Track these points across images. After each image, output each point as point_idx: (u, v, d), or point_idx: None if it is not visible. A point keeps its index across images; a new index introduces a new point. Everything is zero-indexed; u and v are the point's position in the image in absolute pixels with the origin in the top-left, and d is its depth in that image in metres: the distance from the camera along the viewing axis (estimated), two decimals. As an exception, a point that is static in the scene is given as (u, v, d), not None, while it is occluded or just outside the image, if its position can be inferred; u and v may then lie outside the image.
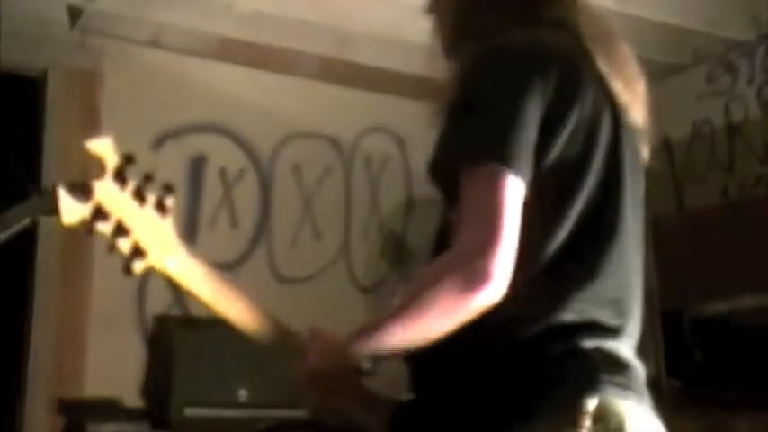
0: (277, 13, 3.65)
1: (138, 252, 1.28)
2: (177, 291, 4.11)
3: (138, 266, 1.28)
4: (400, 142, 4.30)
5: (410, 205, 4.29)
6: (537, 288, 1.26)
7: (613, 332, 1.29)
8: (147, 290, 3.68)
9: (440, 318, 1.22)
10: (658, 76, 4.00)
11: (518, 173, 1.23)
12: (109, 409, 3.29)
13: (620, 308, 1.31)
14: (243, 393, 3.23)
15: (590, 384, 1.22)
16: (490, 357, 1.26)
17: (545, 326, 1.25)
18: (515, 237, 1.21)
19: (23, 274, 3.55)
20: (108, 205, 1.26)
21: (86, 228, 1.27)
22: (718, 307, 3.57)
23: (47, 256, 3.56)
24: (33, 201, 2.63)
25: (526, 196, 1.24)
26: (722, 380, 3.42)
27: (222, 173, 3.95)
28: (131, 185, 1.27)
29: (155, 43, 3.83)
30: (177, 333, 3.47)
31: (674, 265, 3.71)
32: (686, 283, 3.74)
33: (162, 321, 3.63)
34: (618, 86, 1.38)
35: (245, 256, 3.93)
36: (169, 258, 1.30)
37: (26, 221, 2.57)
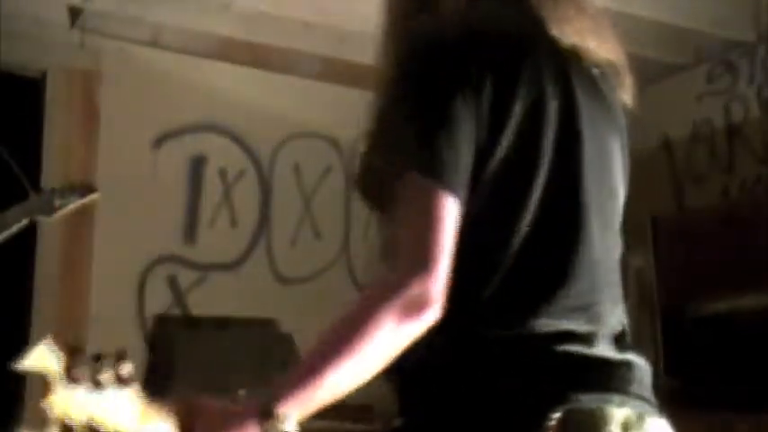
0: (277, 12, 3.65)
1: None
2: (177, 292, 4.07)
3: None
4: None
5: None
6: (502, 299, 1.19)
7: (585, 339, 1.21)
8: (146, 290, 3.68)
9: (379, 351, 1.12)
10: (658, 76, 4.00)
11: (451, 187, 1.15)
12: (109, 409, 3.29)
13: (592, 313, 1.23)
14: (242, 393, 3.23)
15: (558, 395, 1.15)
16: (458, 370, 1.20)
17: (512, 337, 1.18)
18: (449, 255, 1.13)
19: (23, 274, 3.55)
20: (70, 417, 1.16)
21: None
22: (718, 307, 3.57)
23: (47, 257, 3.56)
24: (31, 201, 2.62)
25: (474, 203, 1.18)
26: (722, 380, 3.42)
27: (222, 173, 3.95)
28: (84, 380, 1.18)
29: (154, 43, 3.83)
30: (177, 333, 3.48)
31: (674, 265, 3.71)
32: (686, 283, 3.74)
33: (162, 321, 3.63)
34: (569, 35, 1.28)
35: (244, 256, 3.93)
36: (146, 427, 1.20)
37: (24, 222, 2.57)
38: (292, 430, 1.12)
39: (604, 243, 1.28)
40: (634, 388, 1.21)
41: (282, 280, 3.98)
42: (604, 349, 1.23)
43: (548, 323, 1.19)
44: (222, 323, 3.58)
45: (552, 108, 1.23)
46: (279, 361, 3.33)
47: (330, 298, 3.92)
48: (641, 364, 1.25)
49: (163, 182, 3.74)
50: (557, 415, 1.14)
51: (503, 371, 1.18)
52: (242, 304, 3.68)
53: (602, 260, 1.27)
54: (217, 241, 3.86)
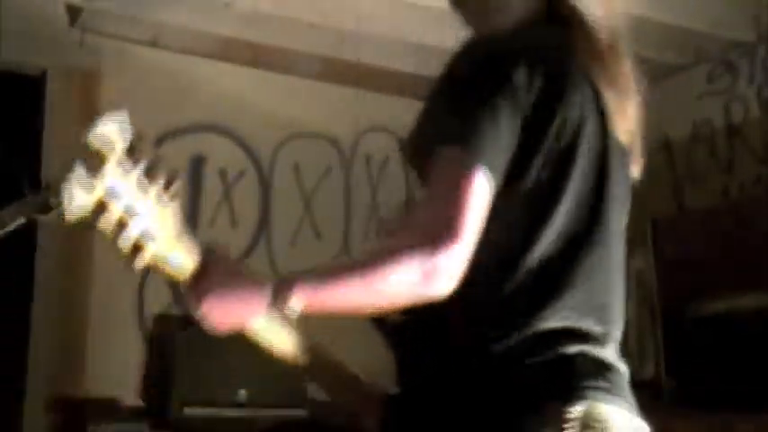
0: (277, 12, 3.65)
1: (140, 245, 1.24)
2: (176, 288, 4.08)
3: (140, 261, 1.25)
4: (400, 142, 4.29)
5: (410, 205, 4.29)
6: (520, 294, 1.24)
7: (597, 339, 1.27)
8: (146, 289, 3.68)
9: (386, 296, 1.20)
10: (658, 76, 3.99)
11: (489, 166, 1.20)
12: (108, 408, 3.29)
13: (604, 314, 1.29)
14: (242, 393, 3.22)
15: (575, 391, 1.21)
16: (474, 366, 1.24)
17: (529, 333, 1.23)
18: (476, 234, 1.18)
19: (23, 273, 3.55)
20: (112, 195, 1.21)
21: (89, 221, 1.23)
22: (718, 307, 3.57)
23: (47, 256, 3.56)
24: (27, 200, 2.62)
25: (509, 198, 1.23)
26: (722, 380, 3.42)
27: (222, 173, 3.95)
28: (136, 173, 1.23)
29: (154, 43, 3.83)
30: (177, 333, 3.47)
31: (674, 265, 3.71)
32: (686, 283, 3.74)
33: (162, 321, 3.63)
34: (609, 97, 1.36)
35: (244, 256, 3.93)
36: (171, 253, 1.26)
37: (22, 221, 2.57)
38: (295, 313, 1.23)
39: (620, 245, 1.35)
40: (629, 393, 1.28)
41: (282, 280, 3.98)
42: (611, 354, 1.29)
43: (565, 318, 1.25)
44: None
45: (592, 129, 1.31)
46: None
47: (330, 298, 3.92)
48: (627, 372, 1.32)
49: (163, 181, 3.73)
50: (578, 408, 1.19)
51: (523, 365, 1.22)
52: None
53: (617, 262, 1.34)
54: (216, 241, 3.85)
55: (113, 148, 1.20)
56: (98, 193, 1.20)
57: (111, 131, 1.21)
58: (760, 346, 3.35)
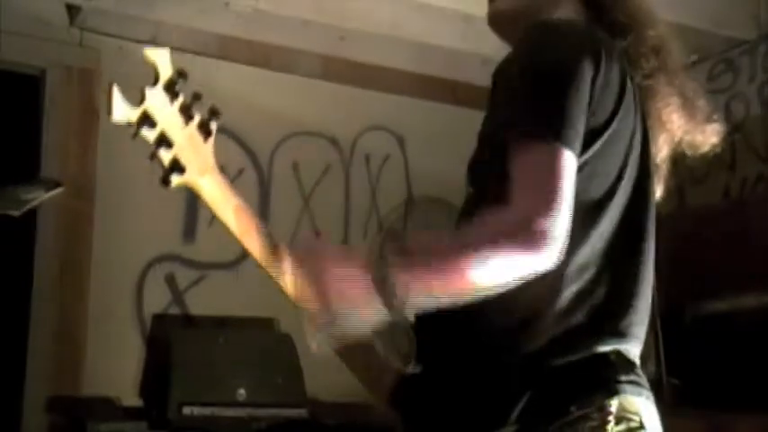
0: (276, 11, 3.64)
1: (176, 166, 1.30)
2: (175, 291, 4.07)
3: (175, 179, 1.31)
4: (400, 141, 4.29)
5: (410, 204, 4.29)
6: (564, 288, 1.25)
7: (628, 336, 1.31)
8: (145, 289, 3.67)
9: (493, 282, 1.14)
10: (659, 74, 3.98)
11: (573, 150, 1.20)
12: (107, 408, 3.29)
13: (635, 316, 1.33)
14: (242, 392, 3.22)
15: (611, 386, 1.24)
16: (510, 360, 1.25)
17: (566, 328, 1.25)
18: (570, 206, 1.17)
19: (22, 272, 3.54)
20: (155, 114, 1.28)
21: (132, 130, 1.28)
22: (719, 306, 3.56)
23: (45, 255, 3.55)
24: (41, 178, 2.61)
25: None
26: (722, 380, 3.41)
27: (221, 171, 3.94)
28: (180, 101, 1.30)
29: (153, 41, 3.82)
30: (175, 332, 3.47)
31: (674, 265, 3.69)
32: (686, 282, 3.73)
33: (160, 320, 3.63)
34: (654, 116, 1.42)
35: (244, 255, 3.89)
36: (204, 179, 1.34)
37: (43, 195, 2.57)
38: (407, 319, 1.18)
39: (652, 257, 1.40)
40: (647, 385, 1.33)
41: (282, 279, 3.97)
42: (636, 351, 1.34)
43: (604, 317, 1.28)
44: (221, 322, 3.57)
45: (638, 131, 1.37)
46: (277, 360, 3.32)
47: (329, 297, 3.91)
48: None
49: (162, 180, 3.72)
50: (616, 402, 1.22)
51: (558, 357, 1.24)
52: (241, 303, 3.66)
53: (651, 269, 1.39)
54: (216, 240, 3.84)
55: (163, 71, 1.30)
56: (141, 109, 1.27)
57: (163, 56, 1.32)
58: (761, 346, 3.34)
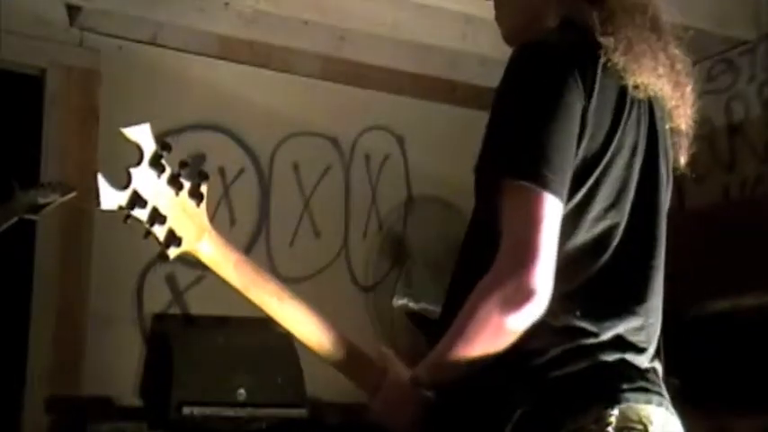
0: (277, 11, 3.64)
1: (172, 238, 1.31)
2: (176, 291, 4.07)
3: (173, 252, 1.32)
4: (400, 141, 4.29)
5: (409, 204, 4.29)
6: (566, 302, 1.26)
7: (636, 347, 1.33)
8: (145, 289, 3.67)
9: (489, 341, 1.22)
10: (659, 74, 3.98)
11: (556, 193, 1.22)
12: (107, 407, 3.29)
13: (647, 330, 1.37)
14: (241, 392, 3.22)
15: (612, 395, 1.24)
16: (514, 373, 1.26)
17: (567, 340, 1.26)
18: (553, 254, 1.21)
19: (22, 273, 3.54)
20: (144, 192, 1.27)
21: (123, 214, 1.28)
22: (719, 306, 3.56)
23: (45, 255, 3.56)
24: (17, 200, 2.63)
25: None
26: (722, 380, 3.41)
27: (221, 171, 3.94)
28: (167, 173, 1.29)
29: (154, 41, 3.82)
30: (176, 332, 3.47)
31: (674, 265, 3.69)
32: (686, 282, 3.72)
33: (161, 320, 3.63)
34: (666, 91, 1.39)
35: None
36: (201, 244, 1.34)
37: (14, 220, 2.58)
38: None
39: (663, 264, 1.46)
40: (662, 389, 1.36)
41: (281, 279, 3.94)
42: (647, 357, 1.37)
43: (610, 329, 1.29)
44: (221, 322, 3.57)
45: (643, 143, 1.37)
46: (277, 360, 3.32)
47: (329, 297, 3.91)
48: (660, 369, 1.40)
49: (162, 180, 3.73)
50: (616, 412, 1.22)
51: (562, 373, 1.25)
52: (241, 303, 3.65)
53: (661, 278, 1.45)
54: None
55: (146, 147, 1.28)
56: (130, 191, 1.27)
57: (144, 132, 1.29)
58: (760, 346, 3.34)
